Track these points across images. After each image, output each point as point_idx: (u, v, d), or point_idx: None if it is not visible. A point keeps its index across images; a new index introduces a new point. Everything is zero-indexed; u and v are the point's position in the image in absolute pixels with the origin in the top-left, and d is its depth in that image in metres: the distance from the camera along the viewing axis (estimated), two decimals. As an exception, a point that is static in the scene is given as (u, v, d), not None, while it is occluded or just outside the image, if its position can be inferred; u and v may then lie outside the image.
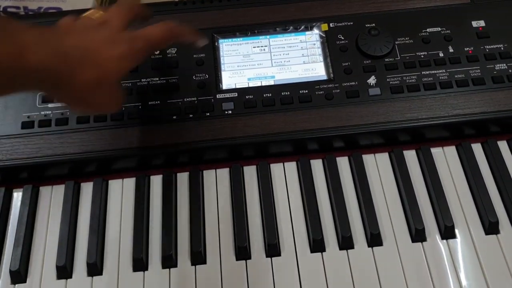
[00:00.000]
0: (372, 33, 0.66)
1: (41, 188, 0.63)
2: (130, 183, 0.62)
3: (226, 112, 0.62)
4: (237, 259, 0.57)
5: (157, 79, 0.65)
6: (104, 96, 0.51)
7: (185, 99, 0.63)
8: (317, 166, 0.63)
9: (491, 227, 0.57)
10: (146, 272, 0.57)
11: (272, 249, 0.57)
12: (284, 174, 0.63)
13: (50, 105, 0.63)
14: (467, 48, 0.66)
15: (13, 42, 0.42)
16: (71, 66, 0.46)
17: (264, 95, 0.63)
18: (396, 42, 0.66)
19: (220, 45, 0.68)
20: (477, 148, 0.63)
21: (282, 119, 0.62)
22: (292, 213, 0.60)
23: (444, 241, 0.57)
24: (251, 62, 0.67)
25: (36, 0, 0.82)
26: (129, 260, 0.57)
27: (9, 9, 0.82)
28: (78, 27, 0.51)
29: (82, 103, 0.51)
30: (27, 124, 0.62)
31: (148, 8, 0.59)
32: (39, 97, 0.63)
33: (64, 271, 0.56)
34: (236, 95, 0.64)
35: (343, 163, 0.63)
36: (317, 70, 0.66)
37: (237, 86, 0.65)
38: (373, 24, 0.68)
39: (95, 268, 0.56)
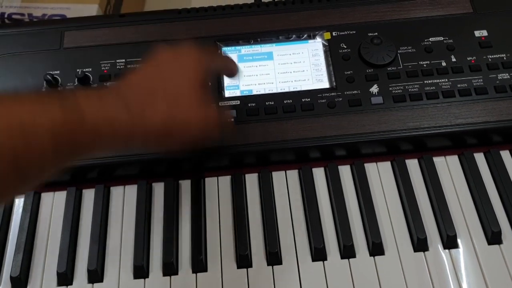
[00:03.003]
0: (374, 42, 0.67)
1: (42, 194, 0.63)
2: (132, 190, 0.62)
3: (228, 120, 0.62)
4: (238, 267, 0.57)
5: (160, 86, 0.65)
6: (189, 126, 0.48)
7: (187, 107, 0.63)
8: (319, 174, 0.63)
9: (493, 237, 0.57)
10: (146, 279, 0.56)
11: (273, 257, 0.56)
12: (286, 182, 0.62)
13: (53, 112, 0.63)
14: (470, 58, 0.66)
15: (69, 106, 0.40)
16: (136, 113, 0.43)
17: (267, 103, 0.63)
18: (399, 51, 0.66)
19: (223, 53, 0.68)
20: (479, 158, 0.63)
21: (284, 127, 0.62)
22: (293, 222, 0.59)
23: (446, 250, 0.57)
24: (254, 70, 0.67)
25: (41, 7, 0.82)
26: (130, 267, 0.57)
27: (14, 16, 0.82)
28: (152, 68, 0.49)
29: (167, 135, 0.47)
30: (29, 130, 0.62)
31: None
32: (42, 104, 0.64)
33: (65, 278, 0.56)
34: (239, 103, 0.64)
35: (345, 172, 0.63)
36: (319, 78, 0.66)
37: (240, 94, 0.65)
38: (376, 33, 0.68)
39: (95, 275, 0.56)
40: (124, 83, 0.46)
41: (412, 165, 0.63)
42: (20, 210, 0.61)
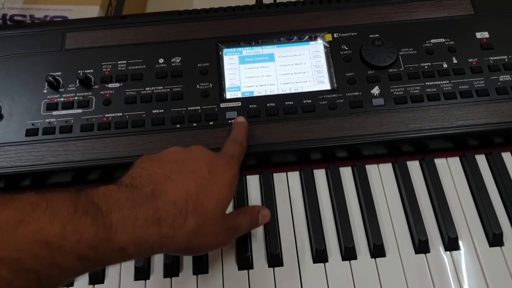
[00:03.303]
0: (376, 44, 0.67)
1: (44, 195, 0.63)
2: (133, 191, 0.62)
3: (229, 121, 0.62)
4: (239, 269, 0.57)
5: (161, 87, 0.65)
6: (214, 234, 0.47)
7: (189, 108, 0.64)
8: (320, 176, 0.63)
9: (495, 239, 0.57)
10: (147, 281, 0.56)
11: (275, 259, 0.56)
12: (287, 184, 0.62)
13: (54, 113, 0.63)
14: (471, 59, 0.66)
15: (102, 224, 0.38)
16: (166, 228, 0.43)
17: (268, 105, 0.63)
18: (400, 53, 0.66)
19: (224, 55, 0.68)
20: (481, 160, 0.63)
21: (286, 128, 0.62)
22: (294, 223, 0.59)
23: (448, 252, 0.57)
24: (255, 72, 0.67)
25: (42, 8, 0.82)
26: (130, 269, 0.57)
27: (15, 17, 0.82)
28: (175, 170, 0.46)
29: (188, 251, 0.47)
30: (31, 132, 0.62)
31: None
32: (43, 105, 0.64)
33: (66, 279, 0.56)
34: (240, 104, 0.64)
35: (346, 173, 0.63)
36: (321, 80, 0.66)
37: (241, 96, 0.65)
38: (377, 35, 0.68)
39: (96, 276, 0.56)
40: (164, 199, 0.44)
41: (414, 166, 0.63)
42: (21, 211, 0.61)
